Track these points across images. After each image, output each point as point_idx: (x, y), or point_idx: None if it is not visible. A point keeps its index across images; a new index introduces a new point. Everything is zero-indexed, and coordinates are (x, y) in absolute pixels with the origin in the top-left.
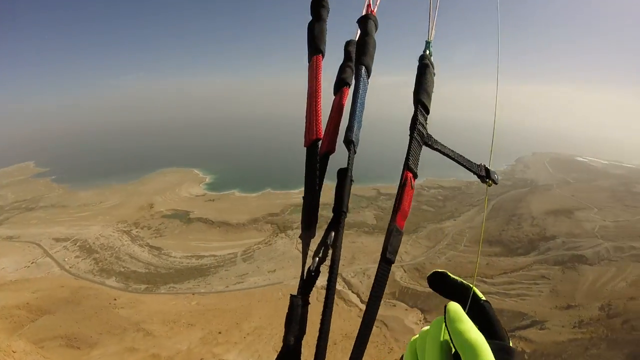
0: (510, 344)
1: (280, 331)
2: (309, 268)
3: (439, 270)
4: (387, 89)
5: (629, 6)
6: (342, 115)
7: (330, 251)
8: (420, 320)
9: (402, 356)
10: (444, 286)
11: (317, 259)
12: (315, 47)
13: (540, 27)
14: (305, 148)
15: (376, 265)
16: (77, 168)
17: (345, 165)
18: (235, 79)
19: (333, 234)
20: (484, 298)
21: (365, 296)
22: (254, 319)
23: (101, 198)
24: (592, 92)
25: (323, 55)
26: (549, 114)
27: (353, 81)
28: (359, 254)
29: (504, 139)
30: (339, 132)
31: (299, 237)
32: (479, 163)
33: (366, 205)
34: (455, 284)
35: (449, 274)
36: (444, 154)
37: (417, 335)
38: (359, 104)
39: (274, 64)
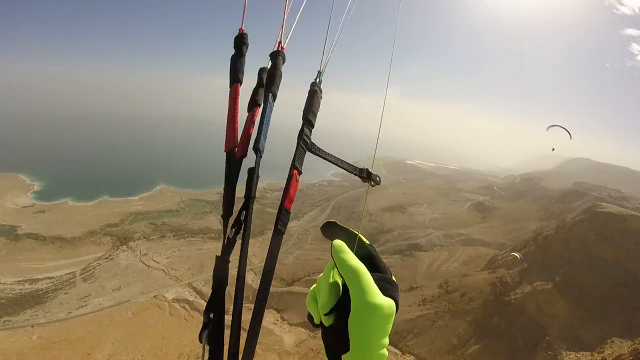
0: (393, 278)
1: (138, 355)
2: (228, 236)
3: (331, 220)
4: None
5: (472, 35)
6: (252, 128)
7: (242, 225)
8: (277, 320)
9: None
10: (335, 233)
11: (234, 230)
12: (236, 77)
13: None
14: (225, 153)
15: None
16: None
17: (254, 166)
18: (74, 70)
19: (244, 212)
20: (368, 242)
21: None
22: (106, 345)
23: None
24: (424, 105)
25: (241, 83)
26: (387, 123)
27: (262, 102)
28: (207, 260)
29: (345, 144)
30: (250, 142)
31: (221, 216)
32: (361, 167)
33: (210, 210)
34: (344, 231)
35: (338, 222)
36: (325, 159)
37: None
38: (265, 122)
39: (117, 57)
